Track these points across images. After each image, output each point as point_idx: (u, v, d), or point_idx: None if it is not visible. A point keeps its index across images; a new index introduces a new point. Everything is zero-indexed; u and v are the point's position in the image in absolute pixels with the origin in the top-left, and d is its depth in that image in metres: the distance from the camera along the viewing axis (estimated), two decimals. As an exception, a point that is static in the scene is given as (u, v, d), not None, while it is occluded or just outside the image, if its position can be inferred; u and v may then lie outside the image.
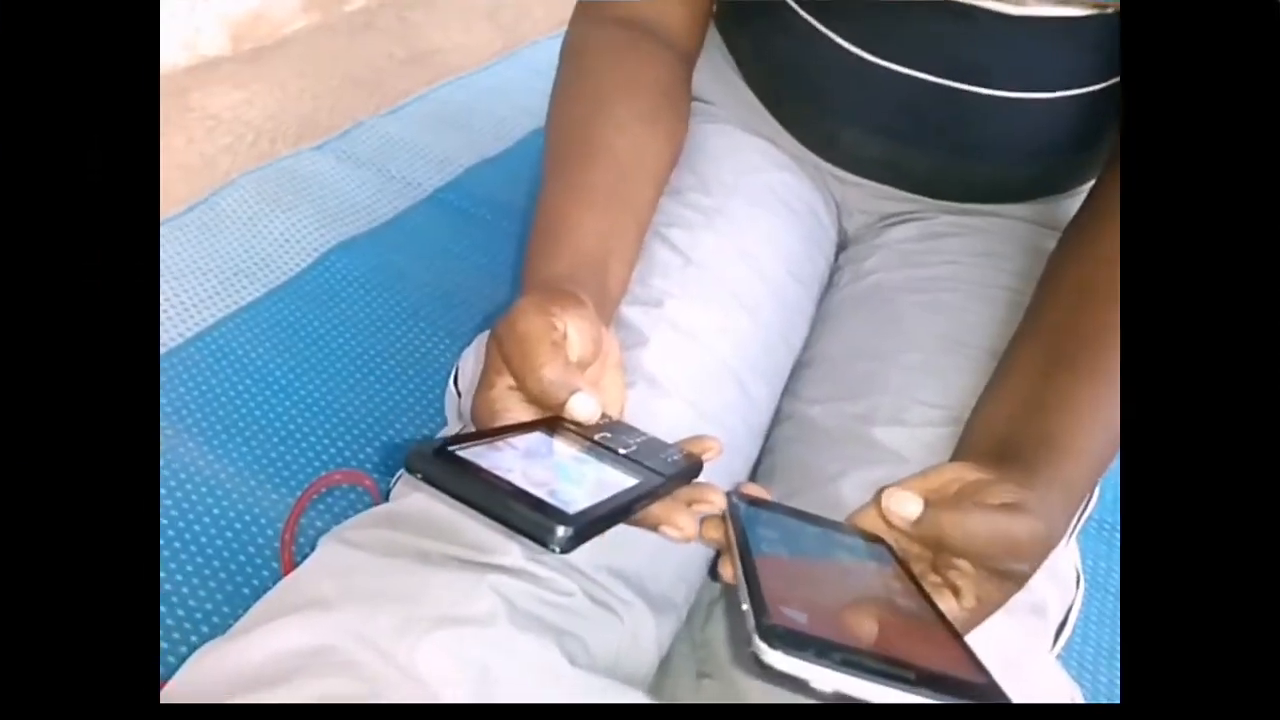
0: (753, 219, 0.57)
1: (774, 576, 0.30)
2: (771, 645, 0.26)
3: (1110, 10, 0.50)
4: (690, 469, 0.38)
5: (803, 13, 0.55)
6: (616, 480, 0.33)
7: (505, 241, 0.97)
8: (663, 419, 0.46)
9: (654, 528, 0.35)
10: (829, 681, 0.26)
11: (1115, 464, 0.71)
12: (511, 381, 0.38)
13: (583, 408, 0.36)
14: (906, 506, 0.36)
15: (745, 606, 0.28)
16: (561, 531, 0.27)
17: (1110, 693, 0.69)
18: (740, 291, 0.54)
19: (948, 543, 0.36)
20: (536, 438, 0.35)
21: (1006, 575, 0.37)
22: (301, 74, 1.24)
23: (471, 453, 0.31)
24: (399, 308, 0.87)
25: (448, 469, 0.30)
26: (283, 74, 1.23)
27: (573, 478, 0.33)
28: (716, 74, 0.66)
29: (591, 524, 0.29)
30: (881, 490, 0.38)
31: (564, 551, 0.28)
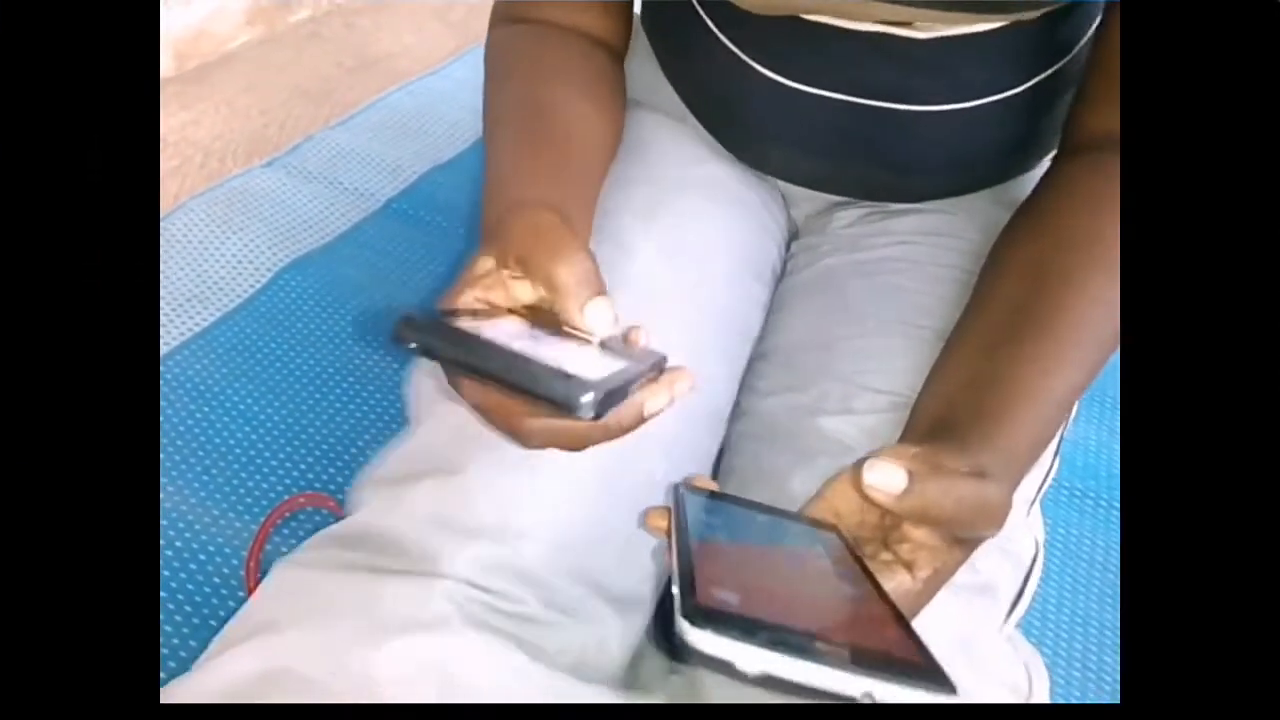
0: (699, 212, 0.57)
1: (711, 561, 0.30)
2: (695, 624, 0.25)
3: (1033, 18, 0.49)
4: (659, 360, 0.37)
5: (723, 39, 0.55)
6: (607, 363, 0.33)
7: (461, 247, 0.96)
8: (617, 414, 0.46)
9: (638, 415, 0.35)
10: (755, 662, 0.25)
11: (1099, 433, 0.69)
12: (496, 277, 0.39)
13: (600, 313, 0.37)
14: (893, 479, 0.34)
15: (675, 589, 0.27)
16: (589, 396, 0.27)
17: (1084, 660, 0.69)
18: (691, 287, 0.53)
19: (931, 512, 0.35)
20: (516, 323, 0.34)
21: (965, 542, 0.37)
22: (248, 89, 1.22)
23: (467, 325, 0.30)
24: (355, 323, 0.86)
25: (448, 339, 0.29)
26: (229, 91, 1.21)
27: (570, 357, 0.32)
28: (656, 78, 0.65)
29: (610, 394, 0.28)
30: (855, 467, 0.36)
31: (596, 417, 0.27)
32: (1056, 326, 0.43)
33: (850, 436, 0.48)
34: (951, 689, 0.26)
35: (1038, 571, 0.50)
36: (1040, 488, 0.52)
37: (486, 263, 0.40)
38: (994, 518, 0.37)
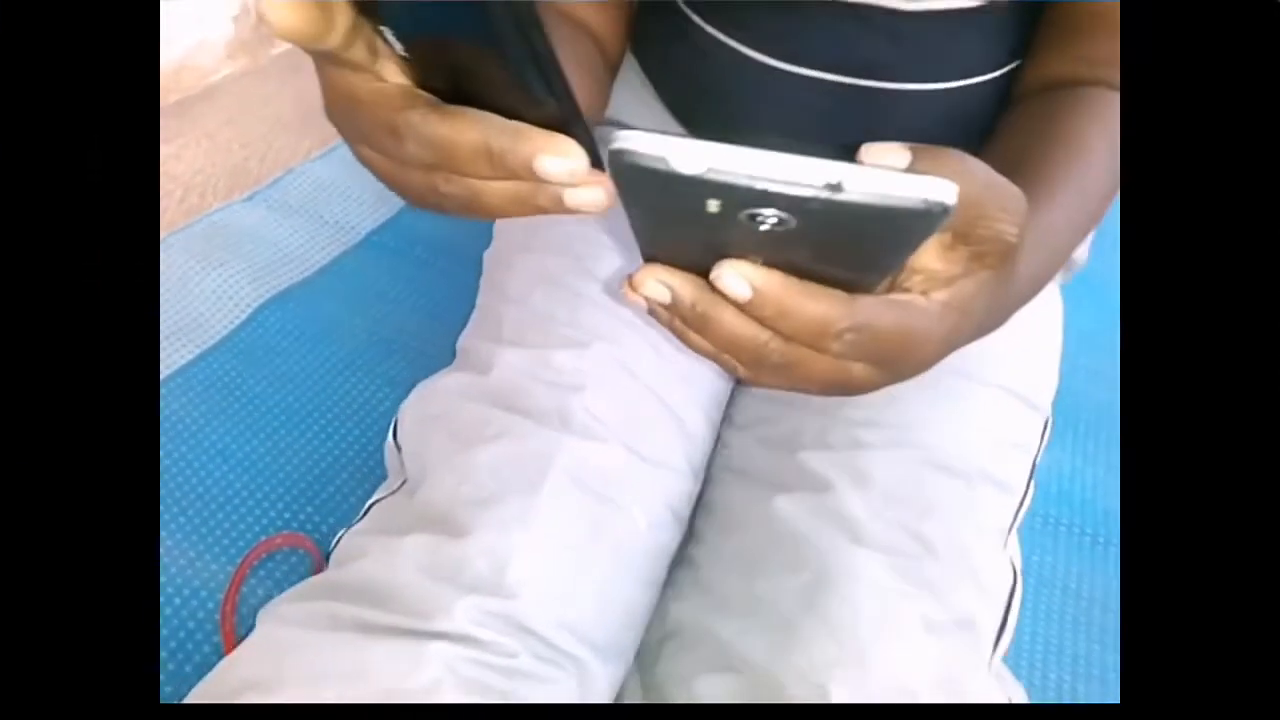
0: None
1: None
2: (631, 132, 0.22)
3: (1001, 2, 0.51)
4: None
5: (703, 24, 0.55)
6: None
7: (441, 281, 0.97)
8: (601, 467, 0.47)
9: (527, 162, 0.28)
10: (695, 158, 0.21)
11: (1074, 459, 0.69)
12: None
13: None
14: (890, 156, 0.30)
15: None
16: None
17: (1059, 690, 0.70)
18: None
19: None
20: None
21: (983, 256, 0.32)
22: (230, 122, 1.23)
23: None
24: (335, 359, 0.86)
25: None
26: (210, 124, 1.22)
27: None
28: (632, 95, 0.66)
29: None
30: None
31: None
32: (1046, 165, 0.43)
33: (831, 472, 0.48)
34: (947, 193, 0.22)
35: (1017, 602, 0.50)
36: (1016, 515, 0.53)
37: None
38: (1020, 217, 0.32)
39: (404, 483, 0.50)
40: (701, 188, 0.22)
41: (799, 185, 0.21)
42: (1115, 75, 0.48)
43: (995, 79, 0.54)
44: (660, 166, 0.22)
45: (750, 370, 0.33)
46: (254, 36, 1.35)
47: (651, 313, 0.32)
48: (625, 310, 0.53)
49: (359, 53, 0.27)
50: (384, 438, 0.55)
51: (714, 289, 0.29)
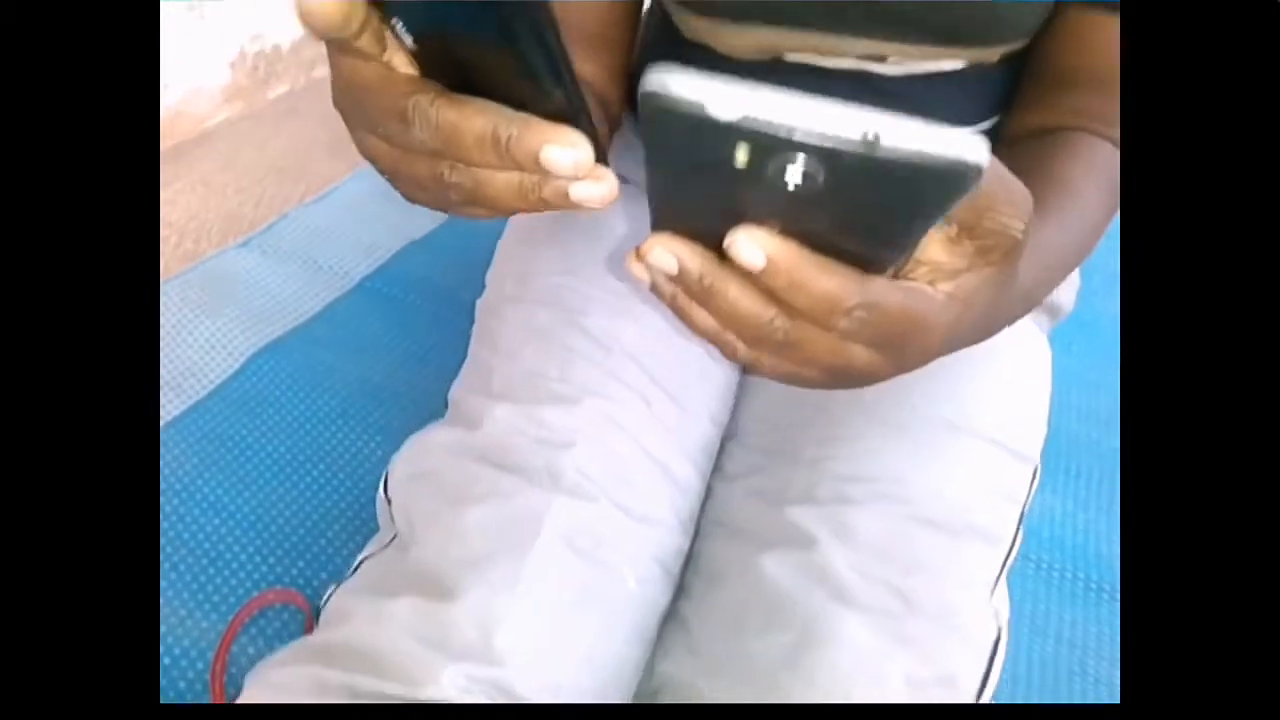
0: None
1: None
2: (669, 72, 0.21)
3: (993, 61, 0.53)
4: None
5: None
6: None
7: (434, 327, 0.97)
8: (591, 527, 0.47)
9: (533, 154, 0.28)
10: (732, 104, 0.20)
11: (1065, 503, 0.70)
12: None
13: None
14: None
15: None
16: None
17: (1054, 742, 0.69)
18: (662, 378, 0.54)
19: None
20: None
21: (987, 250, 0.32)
22: (225, 167, 1.24)
23: None
24: (328, 407, 0.87)
25: None
26: (205, 169, 1.23)
27: None
28: (625, 149, 0.67)
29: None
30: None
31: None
32: (1041, 186, 0.42)
33: (813, 527, 0.49)
34: (978, 152, 0.21)
35: (1001, 656, 0.50)
36: (1003, 566, 0.53)
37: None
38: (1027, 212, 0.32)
39: (395, 537, 0.50)
40: (734, 134, 0.21)
41: (835, 136, 0.21)
42: (1102, 126, 0.49)
43: (980, 131, 0.55)
44: (695, 110, 0.21)
45: (752, 349, 0.32)
46: (250, 81, 1.37)
47: (654, 289, 0.31)
48: (614, 361, 0.53)
49: (368, 42, 0.28)
50: (376, 489, 0.55)
51: (722, 262, 0.28)
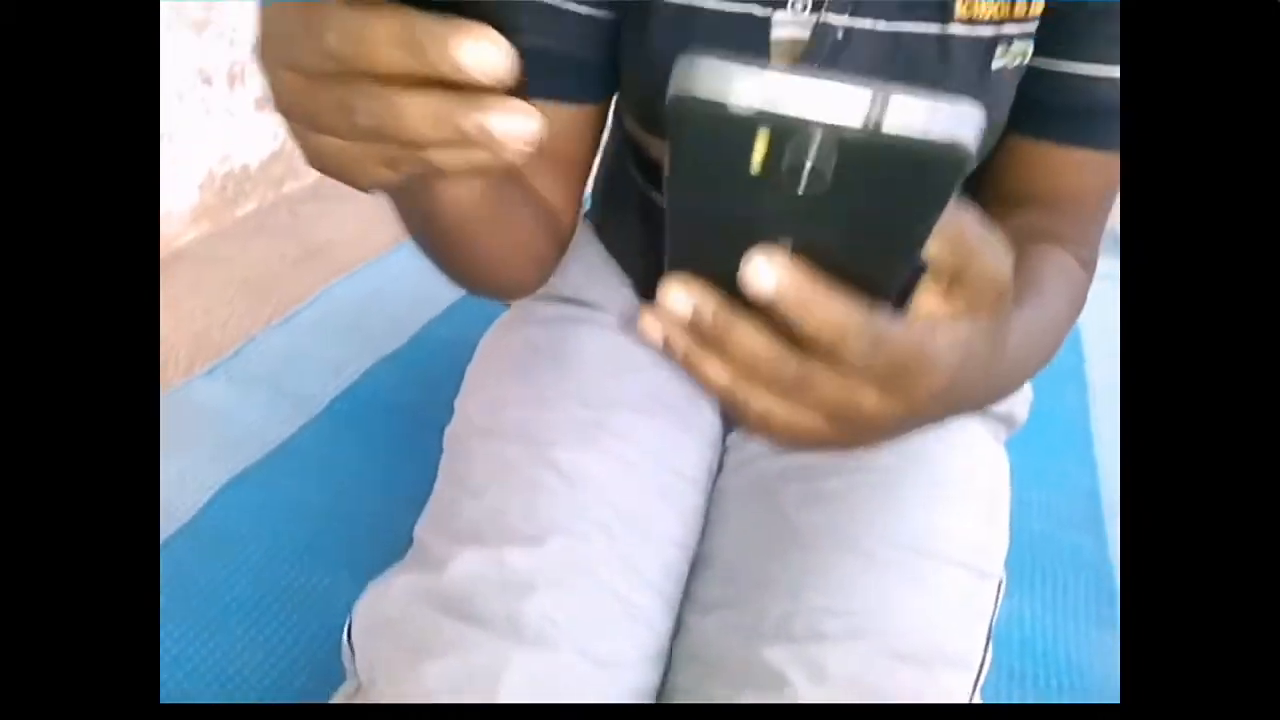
0: (634, 425, 0.59)
1: None
2: (696, 60, 0.23)
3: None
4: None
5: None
6: None
7: (403, 451, 0.98)
8: (553, 678, 0.47)
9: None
10: (753, 91, 0.23)
11: (1033, 606, 0.70)
12: None
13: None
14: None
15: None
16: None
17: None
18: (630, 511, 0.55)
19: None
20: None
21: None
22: (193, 289, 1.25)
23: None
24: (295, 543, 0.86)
25: None
26: (173, 291, 1.24)
27: None
28: (593, 275, 0.69)
29: None
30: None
31: None
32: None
33: (786, 668, 0.49)
34: (968, 127, 0.23)
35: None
36: (975, 684, 0.54)
37: None
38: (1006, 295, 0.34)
39: (359, 687, 0.50)
40: (754, 121, 0.23)
41: (845, 120, 0.23)
42: (1062, 243, 0.53)
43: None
44: (719, 87, 0.23)
45: (763, 398, 0.33)
46: (219, 201, 1.39)
47: (667, 346, 0.33)
48: (580, 496, 0.54)
49: None
50: (342, 631, 0.55)
51: (734, 303, 0.30)
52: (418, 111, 0.25)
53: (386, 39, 0.23)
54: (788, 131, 0.24)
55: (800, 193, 0.25)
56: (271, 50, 0.27)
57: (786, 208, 0.26)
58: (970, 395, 0.37)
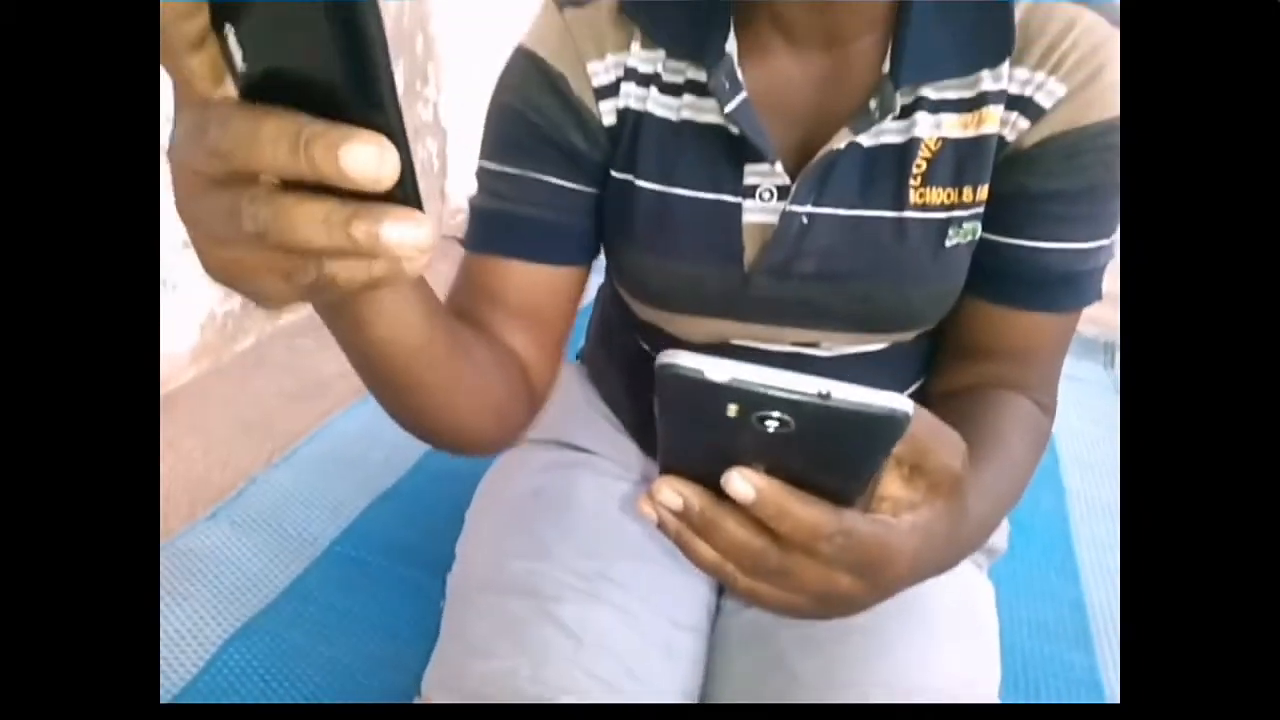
0: (635, 573, 0.62)
1: None
2: (674, 351, 0.30)
3: (908, 340, 0.61)
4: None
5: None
6: None
7: (401, 593, 0.99)
8: None
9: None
10: (724, 370, 0.29)
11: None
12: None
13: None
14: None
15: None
16: None
17: None
18: (634, 666, 0.57)
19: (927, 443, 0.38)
20: None
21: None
22: (192, 429, 1.28)
23: None
24: (298, 694, 0.87)
25: None
26: (173, 432, 1.27)
27: None
28: (588, 419, 0.73)
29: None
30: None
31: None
32: (977, 437, 0.49)
33: None
34: (906, 405, 0.30)
35: None
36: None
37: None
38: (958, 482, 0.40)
39: None
40: (726, 393, 0.30)
41: (799, 392, 0.30)
42: (1021, 389, 0.58)
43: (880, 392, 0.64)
44: (697, 375, 0.30)
45: (748, 576, 0.38)
46: (219, 339, 1.43)
47: (661, 526, 0.38)
48: (586, 655, 0.56)
49: (203, 68, 0.25)
50: None
51: (719, 500, 0.35)
52: (305, 217, 0.24)
53: (273, 138, 0.23)
54: (757, 399, 0.30)
55: (769, 435, 0.32)
56: (174, 151, 0.27)
57: (758, 441, 0.33)
58: (937, 564, 0.43)
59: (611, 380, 0.75)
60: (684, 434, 0.35)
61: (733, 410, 0.31)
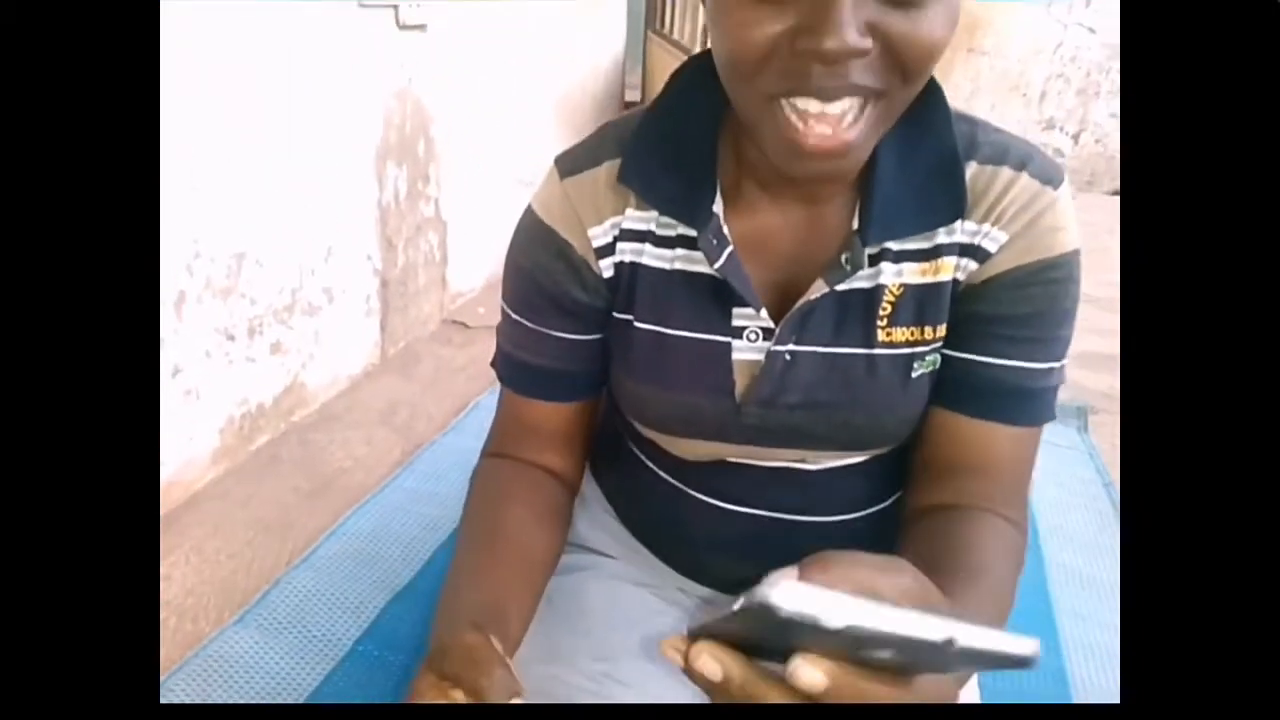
0: (641, 672, 0.69)
1: None
2: (785, 584, 0.26)
3: (884, 452, 0.68)
4: None
5: (655, 469, 0.73)
6: None
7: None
8: None
9: None
10: (841, 614, 0.26)
11: None
12: (440, 689, 0.49)
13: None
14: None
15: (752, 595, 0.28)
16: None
17: None
18: None
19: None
20: None
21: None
22: (215, 531, 1.34)
23: None
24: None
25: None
26: (197, 535, 1.33)
27: None
28: (595, 522, 0.81)
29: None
30: None
31: None
32: (954, 579, 0.55)
33: None
34: (1030, 646, 0.27)
35: None
36: None
37: (428, 678, 0.50)
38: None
39: None
40: (837, 634, 0.27)
41: (921, 641, 0.26)
42: (992, 506, 0.64)
43: (880, 510, 0.71)
44: (807, 619, 0.26)
45: None
46: (236, 440, 1.50)
47: (688, 675, 0.36)
48: None
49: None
50: None
51: (761, 671, 0.34)
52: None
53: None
54: (869, 638, 0.28)
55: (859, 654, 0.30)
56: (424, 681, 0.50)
57: (838, 647, 0.31)
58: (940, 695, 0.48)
59: (611, 484, 0.82)
60: (755, 632, 0.32)
61: (835, 642, 0.28)
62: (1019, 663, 0.28)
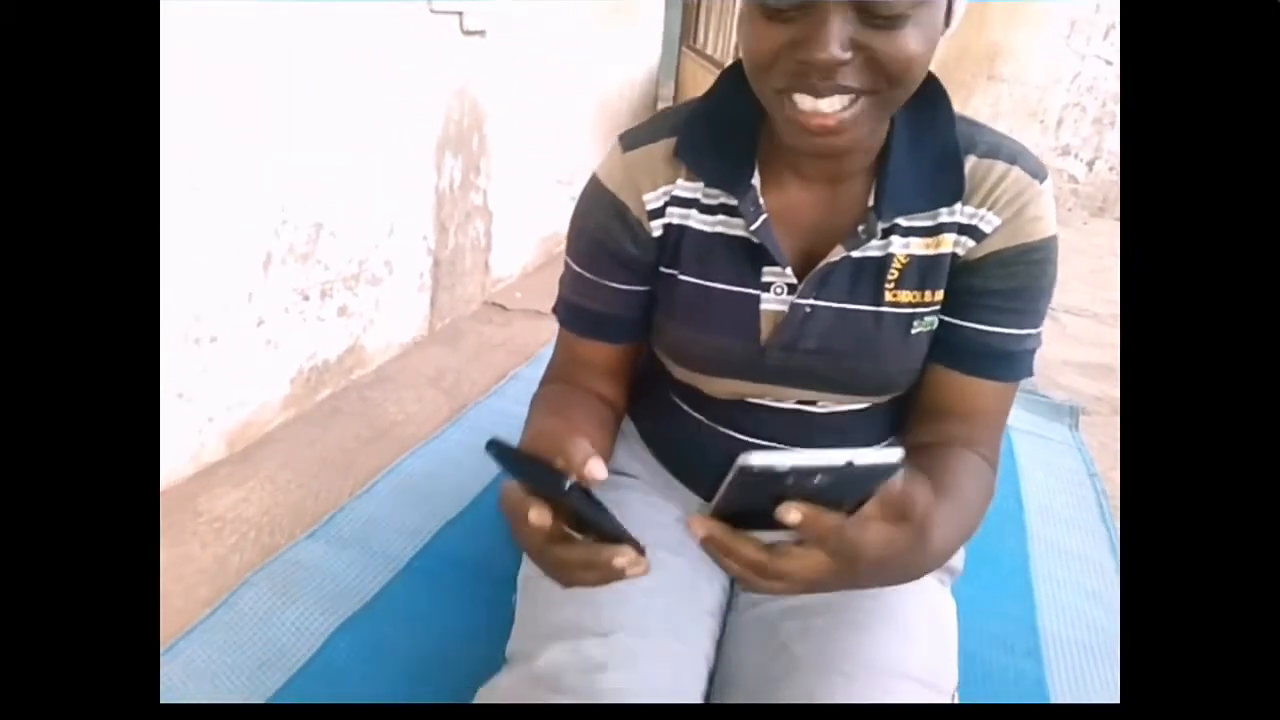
0: (671, 562, 0.80)
1: None
2: (750, 454, 0.47)
3: (884, 401, 0.81)
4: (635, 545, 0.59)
5: (686, 408, 0.88)
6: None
7: (470, 602, 1.19)
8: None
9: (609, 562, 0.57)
10: (787, 460, 0.46)
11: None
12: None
13: (594, 465, 0.58)
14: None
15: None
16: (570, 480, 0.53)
17: None
18: (672, 623, 0.76)
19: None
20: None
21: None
22: (286, 465, 1.51)
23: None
24: (395, 683, 1.06)
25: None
26: (270, 467, 1.50)
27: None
28: (636, 457, 0.95)
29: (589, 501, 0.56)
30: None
31: (567, 490, 0.53)
32: (941, 487, 0.69)
33: None
34: (896, 455, 0.48)
35: None
36: None
37: (514, 488, 0.60)
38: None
39: None
40: (788, 474, 0.48)
41: (836, 464, 0.48)
42: (972, 445, 0.77)
43: (881, 449, 0.83)
44: (772, 469, 0.47)
45: (756, 576, 0.58)
46: (304, 390, 1.67)
47: (699, 542, 0.57)
48: (637, 604, 0.74)
49: (538, 515, 0.57)
50: None
51: (735, 533, 0.56)
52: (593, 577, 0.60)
53: (578, 563, 0.59)
54: (807, 471, 0.49)
55: (810, 487, 0.52)
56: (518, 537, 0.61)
57: (800, 492, 0.53)
58: (901, 568, 0.62)
59: (647, 422, 0.97)
60: (746, 496, 0.52)
61: (790, 480, 0.49)
62: (892, 469, 0.49)
